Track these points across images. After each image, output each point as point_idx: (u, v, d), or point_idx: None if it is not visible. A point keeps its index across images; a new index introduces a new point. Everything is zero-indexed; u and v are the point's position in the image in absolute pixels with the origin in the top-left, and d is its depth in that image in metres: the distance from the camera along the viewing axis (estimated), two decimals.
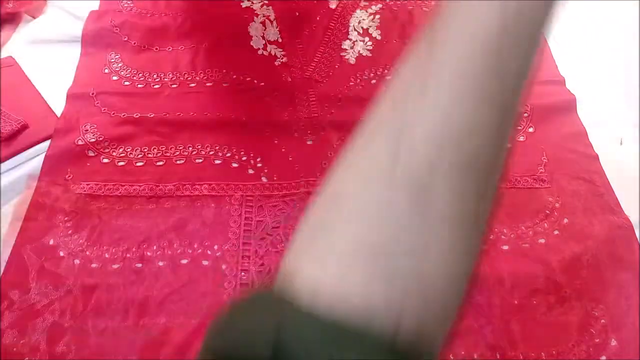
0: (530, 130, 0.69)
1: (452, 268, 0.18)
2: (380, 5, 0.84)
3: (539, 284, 0.55)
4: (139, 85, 0.72)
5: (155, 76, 0.73)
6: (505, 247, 0.58)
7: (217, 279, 0.55)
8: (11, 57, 0.75)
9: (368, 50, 0.79)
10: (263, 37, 0.79)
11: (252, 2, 0.83)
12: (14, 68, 0.73)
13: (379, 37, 0.80)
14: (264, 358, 0.17)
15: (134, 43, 0.77)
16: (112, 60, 0.75)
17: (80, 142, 0.65)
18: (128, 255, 0.56)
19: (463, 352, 0.51)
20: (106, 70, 0.74)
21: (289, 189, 0.63)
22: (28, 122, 0.66)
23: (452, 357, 0.51)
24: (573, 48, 0.79)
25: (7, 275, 0.54)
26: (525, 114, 0.70)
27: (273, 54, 0.77)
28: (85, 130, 0.66)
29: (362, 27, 0.81)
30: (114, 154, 0.64)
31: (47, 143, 0.65)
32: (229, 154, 0.65)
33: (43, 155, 0.63)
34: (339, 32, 0.80)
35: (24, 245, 0.56)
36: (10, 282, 0.54)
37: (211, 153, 0.65)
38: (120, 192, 0.61)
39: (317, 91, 0.72)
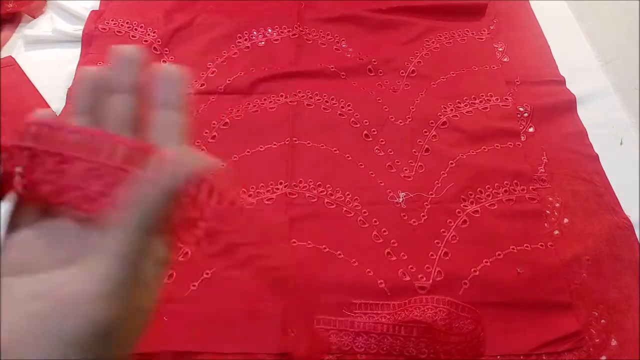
0: (530, 130, 0.68)
1: None
2: None
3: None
4: None
5: None
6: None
7: None
8: (11, 57, 0.75)
9: None
10: None
11: None
12: (14, 68, 0.73)
13: None
14: None
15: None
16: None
17: None
18: None
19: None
20: None
21: None
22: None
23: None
24: (573, 48, 0.79)
25: None
26: (526, 114, 0.70)
27: None
28: None
29: None
30: None
31: None
32: None
33: None
34: None
35: None
36: None
37: None
38: None
39: None
